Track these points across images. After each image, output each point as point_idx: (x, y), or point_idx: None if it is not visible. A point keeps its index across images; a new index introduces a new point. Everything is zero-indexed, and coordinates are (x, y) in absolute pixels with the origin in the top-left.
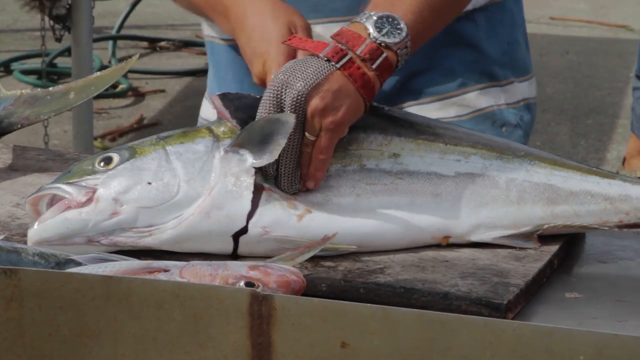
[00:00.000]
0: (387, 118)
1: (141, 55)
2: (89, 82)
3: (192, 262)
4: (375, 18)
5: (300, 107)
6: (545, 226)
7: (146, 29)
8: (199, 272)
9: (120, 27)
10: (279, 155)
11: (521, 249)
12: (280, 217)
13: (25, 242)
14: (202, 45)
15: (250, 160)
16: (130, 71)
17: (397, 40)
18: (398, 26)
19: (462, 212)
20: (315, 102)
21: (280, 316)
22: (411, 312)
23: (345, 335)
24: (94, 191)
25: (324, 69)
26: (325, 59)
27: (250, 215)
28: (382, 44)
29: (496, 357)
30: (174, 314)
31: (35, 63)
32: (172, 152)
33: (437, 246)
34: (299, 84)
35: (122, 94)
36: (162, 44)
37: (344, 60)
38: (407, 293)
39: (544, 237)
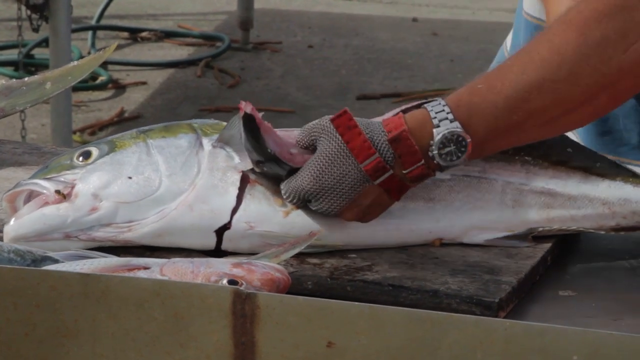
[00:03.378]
0: None
1: (122, 46)
2: (66, 71)
3: (173, 259)
4: (446, 133)
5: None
6: (540, 229)
7: (127, 19)
8: (181, 270)
9: (100, 17)
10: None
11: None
12: (266, 213)
13: (0, 239)
14: (184, 35)
15: (237, 158)
16: (110, 63)
17: (448, 165)
18: (462, 150)
19: (456, 217)
20: (347, 215)
21: (264, 315)
22: (399, 311)
23: (331, 334)
24: (73, 186)
25: (359, 186)
26: (364, 173)
27: (234, 210)
28: (435, 164)
29: (487, 357)
30: (154, 312)
31: (12, 54)
32: (154, 145)
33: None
34: (327, 206)
35: (102, 86)
36: (144, 34)
37: (384, 177)
38: (396, 291)
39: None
